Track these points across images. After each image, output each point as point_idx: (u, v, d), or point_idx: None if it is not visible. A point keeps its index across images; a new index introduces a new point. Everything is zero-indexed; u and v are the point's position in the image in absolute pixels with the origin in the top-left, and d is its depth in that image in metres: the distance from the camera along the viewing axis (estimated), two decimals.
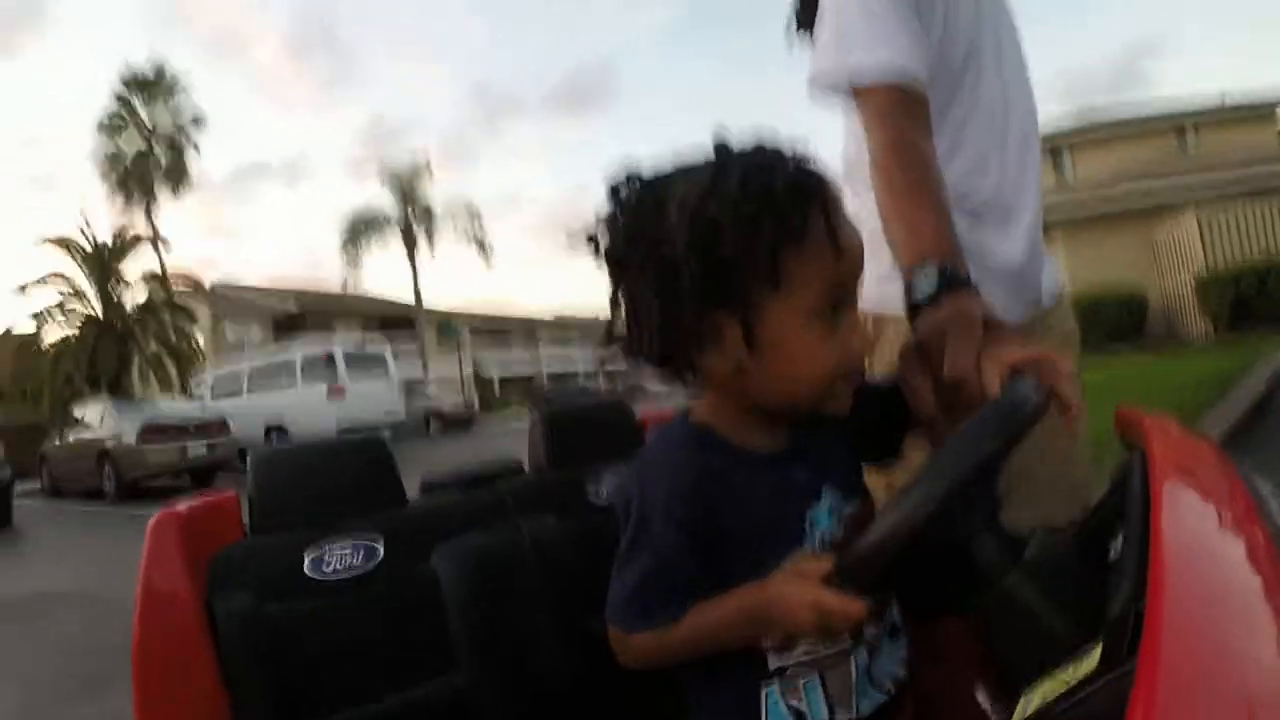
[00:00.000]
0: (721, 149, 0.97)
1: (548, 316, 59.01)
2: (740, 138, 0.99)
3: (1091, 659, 0.69)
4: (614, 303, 1.03)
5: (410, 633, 1.40)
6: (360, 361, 19.78)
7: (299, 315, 35.11)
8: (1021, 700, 0.75)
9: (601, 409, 1.86)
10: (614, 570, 1.08)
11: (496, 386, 43.53)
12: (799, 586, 0.91)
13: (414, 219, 34.83)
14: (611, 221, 1.01)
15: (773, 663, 1.02)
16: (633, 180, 1.01)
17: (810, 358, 0.97)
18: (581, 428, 1.74)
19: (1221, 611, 0.59)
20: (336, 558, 1.42)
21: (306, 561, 1.41)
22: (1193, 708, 0.47)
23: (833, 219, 0.94)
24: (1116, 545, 0.85)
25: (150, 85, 32.20)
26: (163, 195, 31.83)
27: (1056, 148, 27.01)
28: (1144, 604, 0.59)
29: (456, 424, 26.89)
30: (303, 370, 19.31)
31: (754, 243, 0.91)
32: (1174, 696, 0.48)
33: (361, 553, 1.44)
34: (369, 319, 39.15)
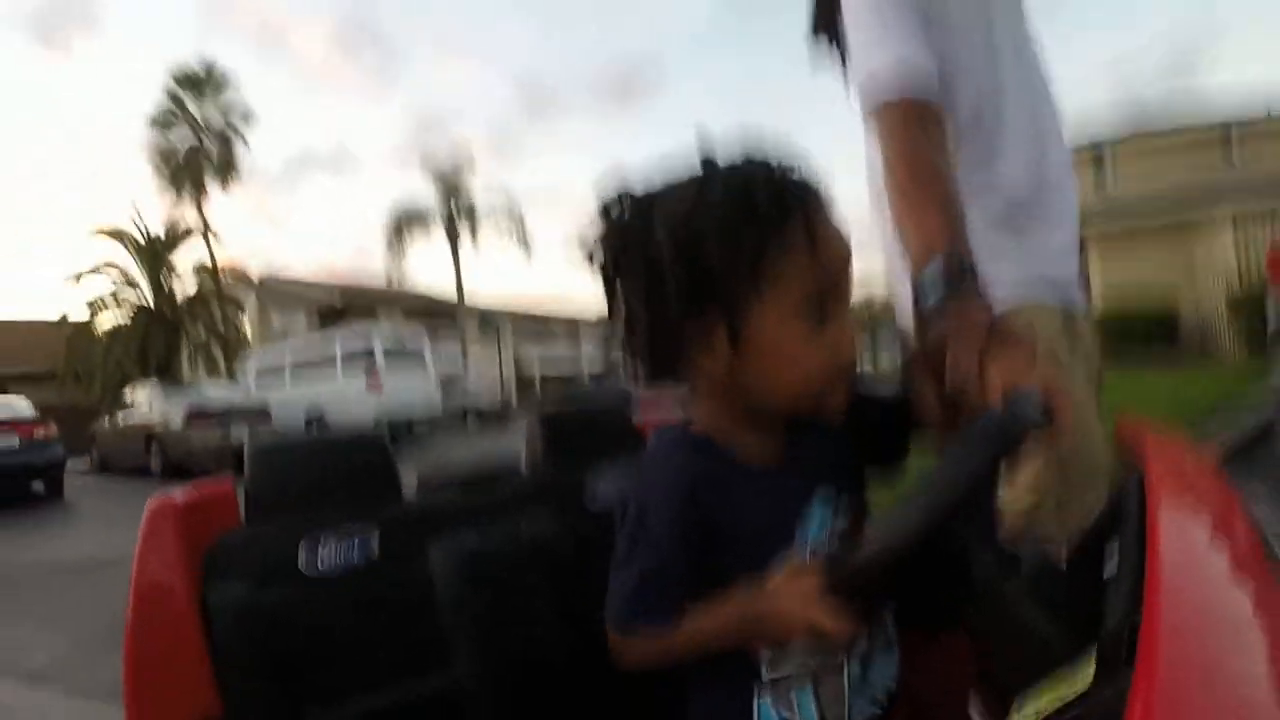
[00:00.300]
0: (707, 163, 1.01)
1: (590, 315, 59.06)
2: (730, 149, 1.03)
3: (1086, 672, 0.68)
4: (611, 313, 1.06)
5: (403, 627, 1.41)
6: (399, 357, 20.14)
7: (343, 307, 35.65)
8: (1015, 713, 0.75)
9: (597, 412, 1.87)
10: (611, 573, 1.10)
11: (538, 386, 43.87)
12: (792, 600, 0.94)
13: (457, 214, 35.21)
14: (604, 236, 1.04)
15: (766, 673, 1.04)
16: (623, 196, 1.04)
17: (795, 357, 0.99)
18: (577, 430, 1.75)
19: (1217, 626, 0.59)
20: (331, 550, 1.43)
21: (301, 553, 1.42)
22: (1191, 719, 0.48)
23: (812, 225, 0.97)
24: (1112, 560, 0.85)
25: (200, 83, 32.84)
26: (212, 189, 32.41)
27: (1098, 155, 26.67)
28: (1139, 618, 0.59)
29: (493, 420, 27.10)
30: (343, 363, 19.77)
31: (735, 251, 0.95)
32: (1170, 710, 0.48)
33: (356, 546, 1.45)
34: (411, 312, 39.64)
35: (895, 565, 0.84)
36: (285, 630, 1.34)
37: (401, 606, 1.42)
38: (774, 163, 1.00)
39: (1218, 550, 0.76)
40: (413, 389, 19.78)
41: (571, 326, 53.85)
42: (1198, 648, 0.55)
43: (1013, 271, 1.52)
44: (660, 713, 1.19)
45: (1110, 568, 0.84)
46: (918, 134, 1.40)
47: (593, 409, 1.89)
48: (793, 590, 0.94)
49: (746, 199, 0.96)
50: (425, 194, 35.47)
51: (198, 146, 32.32)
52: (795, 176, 1.00)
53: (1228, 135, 25.38)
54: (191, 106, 32.82)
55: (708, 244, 0.95)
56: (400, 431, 19.29)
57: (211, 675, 1.27)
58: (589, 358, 50.11)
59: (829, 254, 0.98)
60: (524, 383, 41.69)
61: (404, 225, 34.56)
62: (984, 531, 0.89)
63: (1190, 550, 0.73)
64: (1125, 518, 0.86)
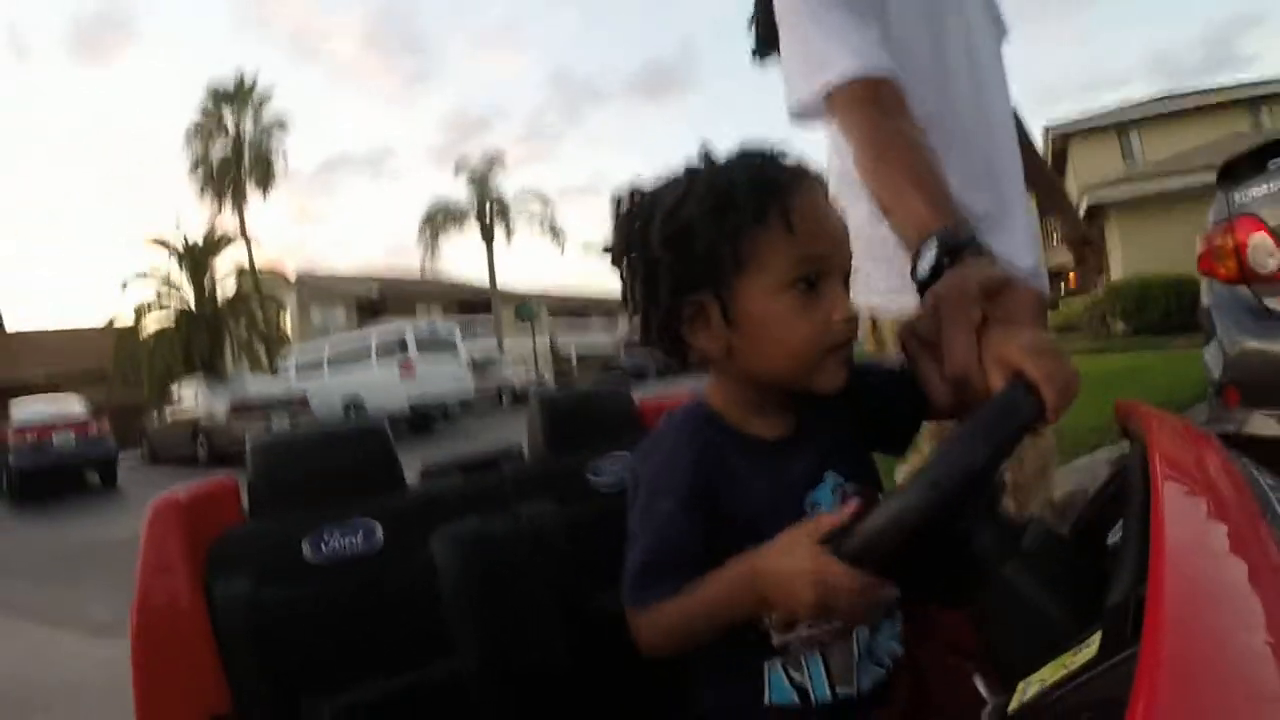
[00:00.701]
0: (704, 158, 1.07)
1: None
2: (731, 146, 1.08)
3: (1091, 646, 0.68)
4: (626, 300, 1.11)
5: (408, 617, 1.41)
6: (431, 343, 21.02)
7: (381, 300, 36.44)
8: (1020, 687, 0.75)
9: (599, 397, 1.86)
10: (626, 550, 1.11)
11: (574, 363, 44.64)
12: (795, 556, 0.91)
13: (489, 209, 36.09)
14: (613, 230, 1.11)
15: (776, 640, 1.05)
16: (632, 193, 1.10)
17: (787, 329, 1.02)
18: (580, 415, 1.74)
19: (1222, 599, 0.60)
20: (335, 542, 1.43)
21: (305, 546, 1.41)
22: (1197, 692, 0.48)
23: (790, 206, 1.00)
24: (1114, 534, 0.87)
25: (235, 96, 33.90)
26: (251, 195, 33.48)
27: (1124, 128, 26.42)
28: (1144, 591, 0.60)
29: (524, 398, 27.75)
30: (377, 351, 20.63)
31: (719, 233, 1.00)
32: (1177, 681, 0.48)
33: (360, 537, 1.44)
34: (448, 302, 40.65)
35: (898, 545, 0.84)
36: (291, 623, 1.34)
37: (406, 596, 1.41)
38: (762, 152, 1.06)
39: (1222, 523, 0.75)
40: (444, 374, 20.52)
41: (607, 308, 54.48)
42: (1203, 621, 0.55)
43: None
44: (663, 699, 1.21)
45: (1113, 540, 0.86)
46: (873, 112, 1.37)
47: (595, 391, 1.89)
48: (796, 545, 0.92)
49: (728, 186, 1.02)
50: (459, 191, 36.78)
51: (235, 157, 33.37)
52: (778, 162, 1.05)
53: (1257, 102, 25.07)
54: (228, 119, 33.90)
55: (694, 231, 1.01)
56: (434, 413, 20.20)
57: (219, 670, 1.28)
58: (624, 339, 50.73)
59: (811, 232, 1.01)
60: (560, 361, 42.46)
61: (439, 221, 35.56)
62: (985, 509, 0.88)
63: (1194, 524, 0.73)
64: (1129, 493, 0.86)
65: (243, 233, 31.25)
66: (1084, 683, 0.65)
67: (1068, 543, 0.89)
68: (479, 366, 26.48)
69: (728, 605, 1.00)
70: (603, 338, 49.49)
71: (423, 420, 19.81)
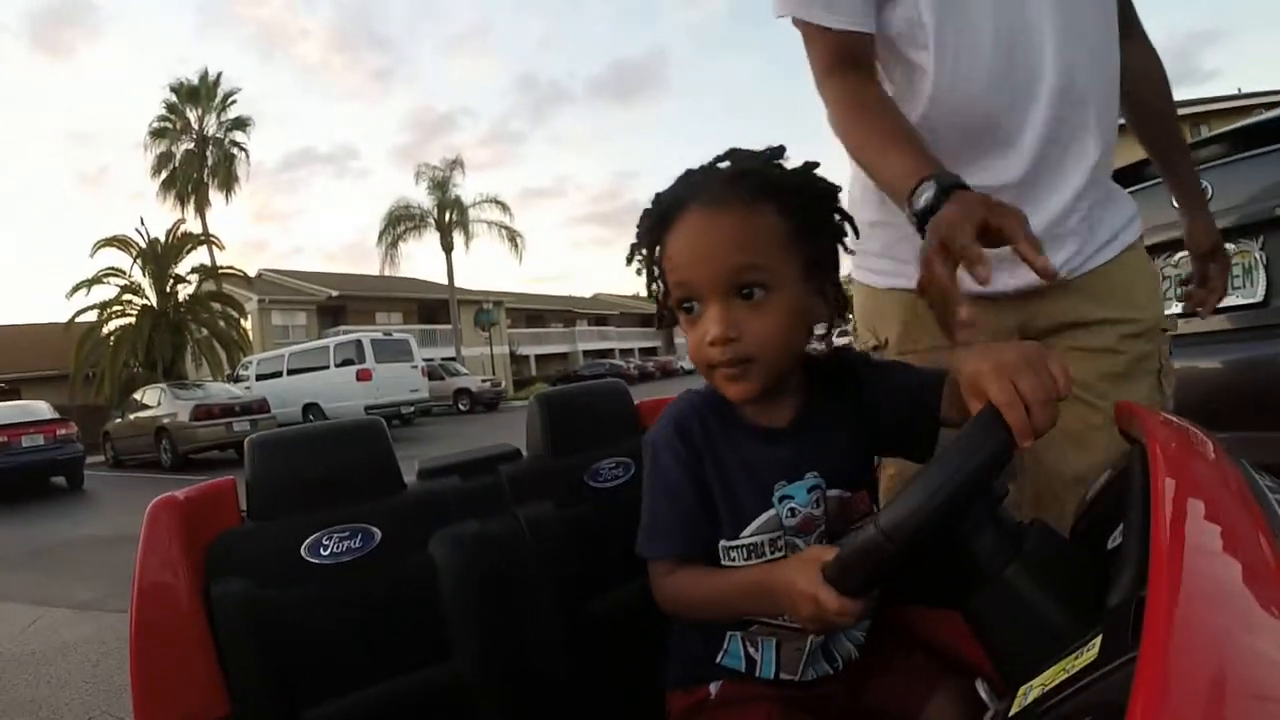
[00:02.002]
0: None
1: (583, 303, 60.16)
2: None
3: (1092, 649, 0.67)
4: (649, 292, 1.18)
5: (408, 618, 1.41)
6: (387, 347, 21.97)
7: (342, 302, 36.87)
8: (1021, 691, 0.74)
9: (599, 395, 1.85)
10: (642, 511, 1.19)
11: (533, 363, 45.20)
12: (801, 576, 0.95)
13: (448, 214, 36.59)
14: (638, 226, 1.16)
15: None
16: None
17: (689, 345, 1.12)
18: (579, 413, 1.71)
19: (1223, 600, 0.59)
20: (334, 543, 1.42)
21: (304, 547, 1.41)
22: (1197, 695, 0.48)
23: (667, 234, 1.09)
24: (1115, 537, 0.86)
25: (198, 94, 34.11)
26: (213, 193, 33.79)
27: None
28: (1144, 593, 0.59)
29: (483, 402, 28.75)
30: (335, 358, 21.59)
31: (650, 251, 1.13)
32: (1179, 684, 0.48)
33: (359, 538, 1.44)
34: (409, 304, 41.01)
35: (876, 579, 0.87)
36: (289, 624, 1.35)
37: (405, 597, 1.42)
38: (699, 168, 1.11)
39: (1222, 525, 0.73)
40: (400, 377, 21.48)
41: (566, 308, 54.96)
42: (1204, 623, 0.54)
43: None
44: (660, 700, 1.22)
45: (1113, 543, 0.85)
46: (850, 71, 1.38)
47: (595, 391, 1.86)
48: (806, 568, 0.95)
49: (657, 203, 1.10)
50: (421, 195, 36.88)
51: (199, 157, 33.59)
52: (690, 181, 1.10)
53: (1198, 119, 25.67)
54: (191, 117, 34.11)
55: (649, 244, 1.12)
56: (390, 418, 20.64)
57: (217, 672, 1.28)
58: (581, 335, 51.31)
59: (680, 262, 1.07)
60: (519, 361, 43.07)
61: (399, 228, 36.03)
62: (986, 513, 0.87)
63: (1195, 526, 0.71)
64: (1129, 495, 0.85)
65: (204, 233, 31.23)
66: (1085, 686, 0.64)
67: (1068, 545, 0.90)
68: (436, 373, 27.30)
69: (742, 600, 1.09)
70: (561, 336, 50.18)
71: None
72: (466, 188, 40.68)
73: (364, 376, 20.73)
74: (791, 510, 1.14)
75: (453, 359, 32.30)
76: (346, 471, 1.51)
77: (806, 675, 1.16)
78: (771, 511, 1.14)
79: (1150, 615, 0.55)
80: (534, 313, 50.75)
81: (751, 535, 1.14)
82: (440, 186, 36.72)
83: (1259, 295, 2.77)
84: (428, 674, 1.39)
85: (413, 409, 21.77)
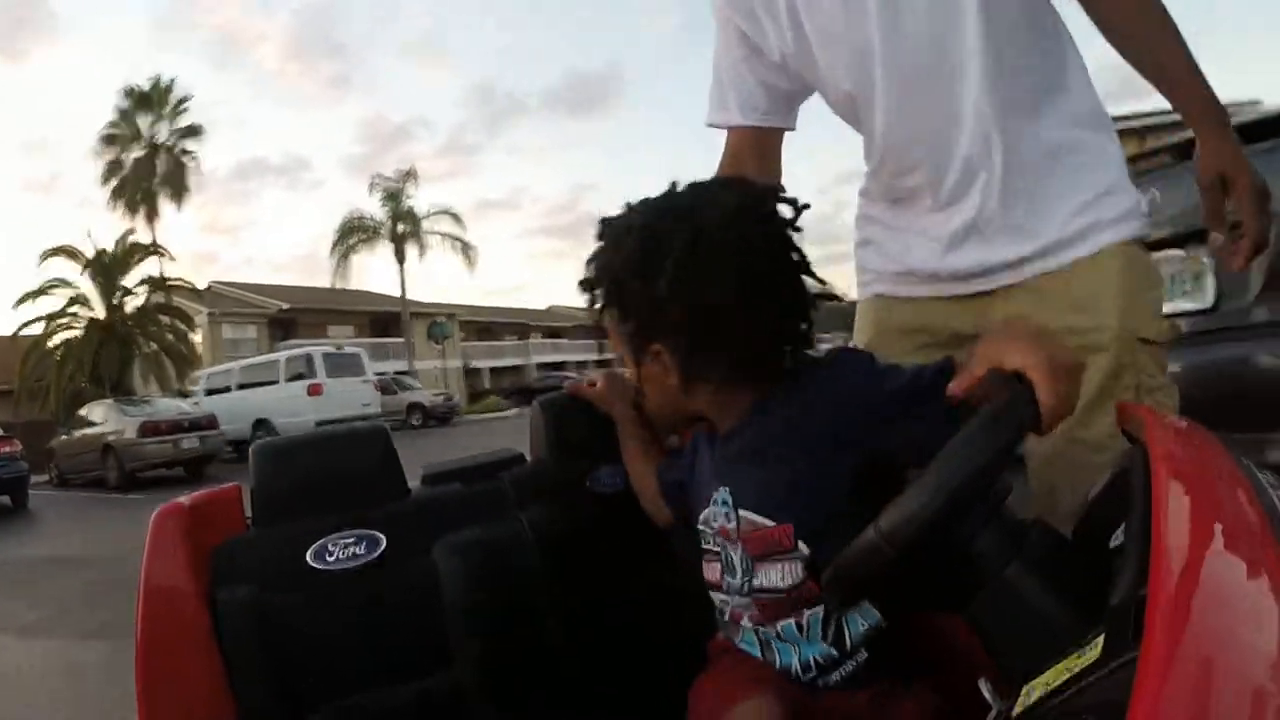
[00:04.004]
0: None
1: (537, 316, 60.11)
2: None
3: (1094, 649, 0.67)
4: None
5: (412, 624, 1.41)
6: (338, 361, 21.90)
7: (293, 315, 36.55)
8: (1024, 691, 0.75)
9: None
10: None
11: (487, 377, 44.91)
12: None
13: (401, 226, 36.49)
14: None
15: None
16: None
17: None
18: (582, 417, 1.65)
19: (1224, 599, 0.60)
20: (338, 549, 1.43)
21: (308, 553, 1.41)
22: (1198, 693, 0.49)
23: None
24: (1116, 536, 0.86)
25: (150, 100, 33.50)
26: (163, 203, 33.06)
27: None
28: (1146, 592, 0.59)
29: (436, 416, 28.64)
30: (286, 373, 21.44)
31: None
32: (1179, 684, 0.48)
33: (364, 544, 1.44)
34: (362, 317, 40.69)
35: (897, 564, 0.82)
36: (294, 630, 1.35)
37: (409, 603, 1.42)
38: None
39: (1223, 524, 0.73)
40: (352, 392, 21.38)
41: (520, 321, 54.90)
42: (1205, 622, 0.55)
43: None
44: (666, 705, 1.20)
45: (1115, 542, 0.86)
46: (747, 159, 1.63)
47: None
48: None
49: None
50: (374, 206, 36.71)
51: (148, 165, 32.90)
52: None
53: (1144, 132, 26.34)
54: (142, 124, 33.44)
55: None
56: None
57: (223, 677, 1.29)
58: (535, 348, 51.24)
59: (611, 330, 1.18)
60: (473, 375, 42.83)
61: (353, 240, 35.77)
62: (991, 510, 0.86)
63: (1196, 525, 0.71)
64: (1130, 494, 0.84)
65: (154, 243, 30.76)
66: (1087, 686, 0.64)
67: (1069, 544, 0.90)
68: (389, 387, 27.10)
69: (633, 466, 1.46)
70: (515, 349, 49.91)
71: None
72: (421, 199, 40.73)
73: (315, 391, 20.63)
74: (719, 514, 1.17)
75: (405, 373, 32.16)
76: (351, 478, 1.53)
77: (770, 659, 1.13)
78: (709, 509, 1.19)
79: (1152, 614, 0.55)
80: (488, 326, 50.53)
81: (702, 523, 1.21)
82: (394, 198, 36.56)
83: (1209, 301, 2.89)
84: (431, 680, 1.40)
85: (364, 423, 21.42)
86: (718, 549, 1.18)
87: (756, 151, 1.61)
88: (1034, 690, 0.73)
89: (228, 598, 1.33)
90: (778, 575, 1.09)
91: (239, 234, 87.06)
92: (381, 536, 1.46)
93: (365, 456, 1.57)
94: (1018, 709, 0.74)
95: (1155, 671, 0.49)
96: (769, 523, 1.11)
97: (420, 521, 1.52)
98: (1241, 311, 2.82)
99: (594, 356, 57.35)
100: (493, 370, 46.00)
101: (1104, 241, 1.40)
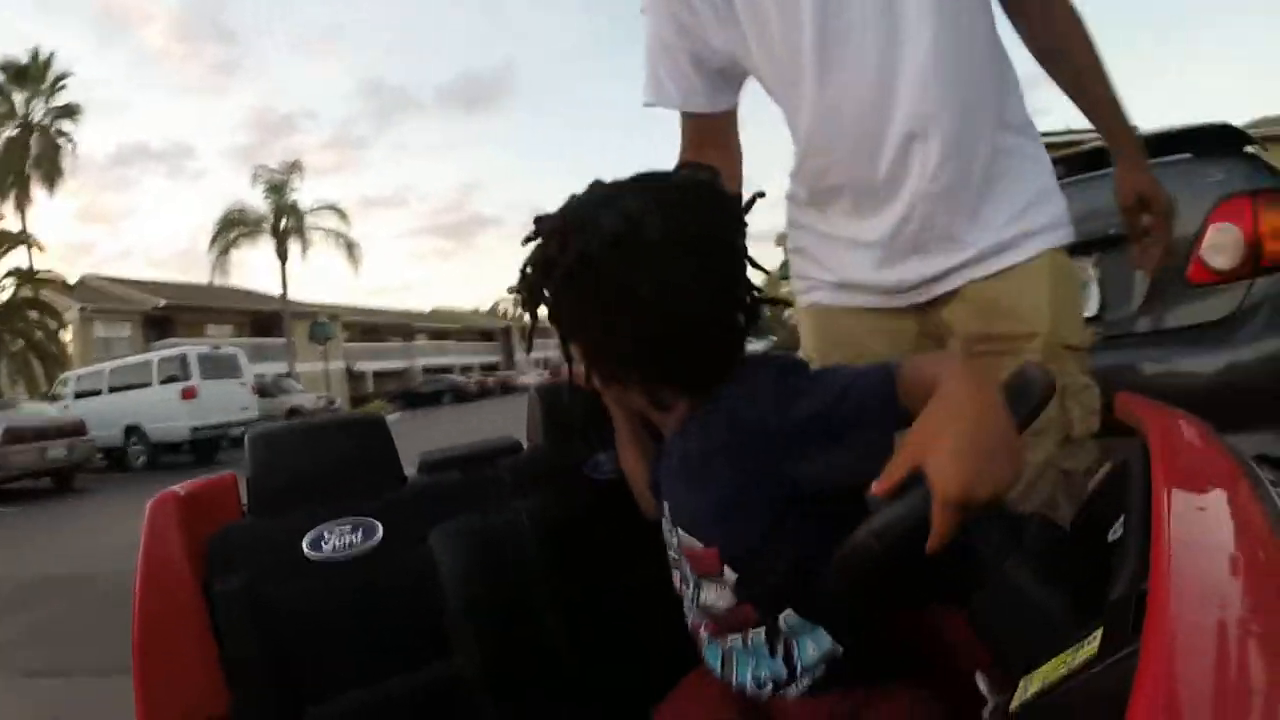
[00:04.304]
0: None
1: (425, 311, 59.50)
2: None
3: (1093, 643, 0.67)
4: None
5: (409, 612, 1.41)
6: (214, 362, 20.84)
7: (170, 312, 35.45)
8: (1021, 684, 0.75)
9: None
10: None
11: (370, 381, 44.37)
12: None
13: (284, 220, 35.84)
14: None
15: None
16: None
17: None
18: (580, 405, 1.63)
19: (1223, 594, 0.60)
20: (335, 538, 1.42)
21: (305, 542, 1.41)
22: (1198, 688, 0.48)
23: None
24: (1115, 530, 0.86)
25: (27, 74, 32.09)
26: (35, 187, 31.83)
27: None
28: (1145, 587, 0.60)
29: None
30: (159, 375, 20.32)
31: None
32: (1178, 678, 0.48)
33: (360, 533, 1.44)
34: (241, 316, 39.81)
35: (887, 561, 0.82)
36: (290, 619, 1.35)
37: (406, 592, 1.42)
38: None
39: (1222, 519, 0.75)
40: (229, 399, 20.55)
41: (405, 323, 54.08)
42: (1204, 617, 0.55)
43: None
44: (660, 695, 1.20)
45: (1114, 537, 0.85)
46: (694, 143, 1.66)
47: None
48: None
49: None
50: (257, 199, 35.85)
51: (22, 145, 31.56)
52: None
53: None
54: (17, 100, 32.02)
55: None
56: (219, 441, 20.16)
57: (219, 667, 1.29)
58: (420, 351, 50.73)
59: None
60: (356, 379, 42.21)
61: (233, 234, 34.89)
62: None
63: (1195, 520, 0.72)
64: (1130, 488, 0.86)
65: (23, 232, 29.65)
66: (1085, 680, 0.64)
67: (1068, 538, 0.90)
68: (268, 390, 26.49)
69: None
70: (399, 351, 49.46)
71: (207, 448, 19.78)
72: (305, 193, 40.11)
73: (188, 395, 19.61)
74: (667, 527, 1.19)
75: (286, 375, 31.41)
76: (347, 466, 1.54)
77: (732, 678, 1.12)
78: (664, 519, 1.21)
79: (1151, 609, 0.56)
80: (371, 327, 49.84)
81: (666, 527, 1.21)
82: (277, 190, 35.82)
83: (1094, 309, 3.04)
84: (429, 668, 1.41)
85: (242, 430, 20.26)
86: (676, 558, 1.19)
87: (709, 133, 1.65)
88: (1032, 684, 0.73)
89: (224, 587, 1.34)
90: (714, 594, 1.10)
91: (117, 224, 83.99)
92: (378, 524, 1.47)
93: (361, 444, 1.58)
94: (1015, 703, 0.74)
95: (1156, 665, 0.50)
96: (698, 544, 1.10)
97: (416, 509, 1.52)
98: (1125, 320, 2.98)
99: (481, 359, 57.29)
100: (377, 374, 45.60)
101: (1035, 249, 1.44)
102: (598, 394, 1.42)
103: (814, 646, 1.06)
